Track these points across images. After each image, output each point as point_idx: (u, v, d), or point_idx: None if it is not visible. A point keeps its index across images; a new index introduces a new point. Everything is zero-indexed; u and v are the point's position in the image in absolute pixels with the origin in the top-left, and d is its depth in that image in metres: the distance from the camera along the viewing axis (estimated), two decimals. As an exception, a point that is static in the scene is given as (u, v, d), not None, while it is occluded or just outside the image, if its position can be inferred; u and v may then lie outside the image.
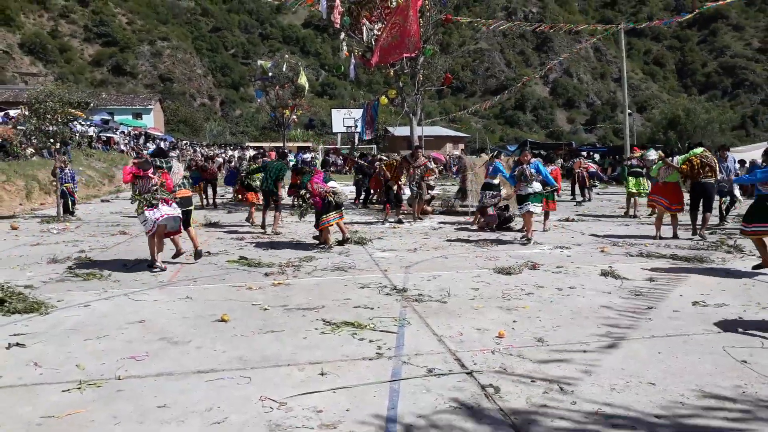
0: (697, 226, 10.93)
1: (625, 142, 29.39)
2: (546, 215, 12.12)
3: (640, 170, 14.52)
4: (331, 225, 9.88)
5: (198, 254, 8.86)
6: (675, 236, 10.73)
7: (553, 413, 3.56)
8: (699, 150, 11.14)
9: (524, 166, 10.57)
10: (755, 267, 7.62)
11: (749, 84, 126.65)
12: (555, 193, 12.05)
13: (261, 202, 13.11)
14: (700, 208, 10.93)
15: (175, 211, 8.24)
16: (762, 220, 7.40)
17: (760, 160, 15.61)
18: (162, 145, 40.96)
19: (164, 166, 8.52)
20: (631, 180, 14.72)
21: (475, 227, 12.52)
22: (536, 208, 10.50)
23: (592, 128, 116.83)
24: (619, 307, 6.00)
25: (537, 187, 10.51)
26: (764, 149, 11.49)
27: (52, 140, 16.83)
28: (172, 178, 8.62)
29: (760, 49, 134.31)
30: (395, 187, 13.80)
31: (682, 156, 11.29)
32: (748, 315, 5.62)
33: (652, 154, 12.71)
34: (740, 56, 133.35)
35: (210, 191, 18.13)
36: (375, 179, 16.32)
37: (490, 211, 12.43)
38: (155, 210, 7.96)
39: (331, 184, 9.99)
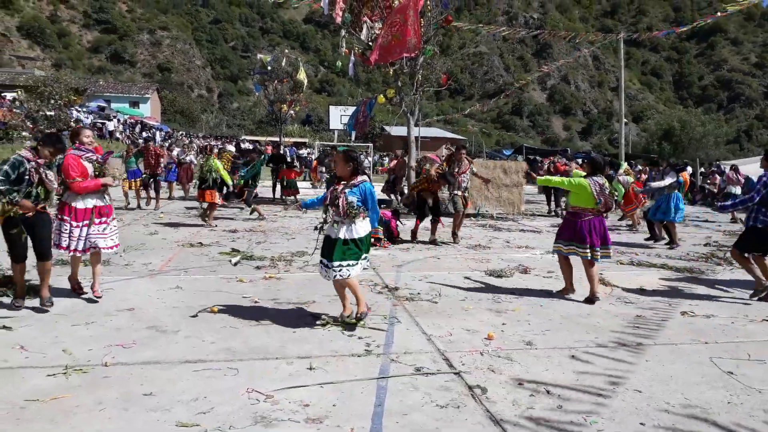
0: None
1: (620, 151, 29.49)
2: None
3: None
4: None
5: None
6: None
7: (539, 416, 3.57)
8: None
9: (340, 187, 5.29)
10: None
11: (745, 98, 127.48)
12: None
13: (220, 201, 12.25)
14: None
15: None
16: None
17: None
18: (157, 135, 40.87)
19: None
20: None
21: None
22: (352, 270, 5.17)
23: (588, 136, 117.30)
24: (608, 314, 6.02)
25: (357, 231, 5.19)
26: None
27: (46, 123, 16.83)
28: None
29: (756, 64, 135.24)
30: (430, 199, 10.67)
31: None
32: (737, 326, 5.66)
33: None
34: (737, 70, 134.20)
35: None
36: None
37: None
38: None
39: None
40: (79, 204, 5.73)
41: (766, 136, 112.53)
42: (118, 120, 42.18)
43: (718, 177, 21.91)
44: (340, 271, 5.12)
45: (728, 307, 6.41)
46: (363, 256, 5.32)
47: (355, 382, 4.02)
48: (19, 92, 30.99)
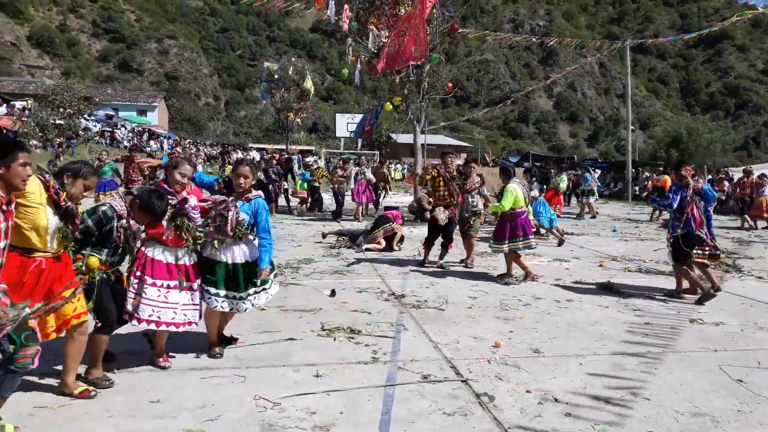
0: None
1: (627, 159, 29.49)
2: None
3: None
4: None
5: None
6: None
7: (547, 424, 3.55)
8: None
9: (230, 198, 4.59)
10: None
11: (752, 105, 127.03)
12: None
13: None
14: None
15: None
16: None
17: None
18: (165, 143, 41.10)
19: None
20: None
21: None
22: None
23: (595, 143, 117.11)
24: (616, 321, 5.99)
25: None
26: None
27: (56, 131, 16.96)
28: None
29: (764, 71, 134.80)
30: (441, 215, 8.67)
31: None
32: (746, 333, 5.62)
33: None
34: (744, 77, 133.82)
35: None
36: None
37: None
38: None
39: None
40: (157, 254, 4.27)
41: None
42: (125, 128, 42.53)
43: (726, 183, 21.78)
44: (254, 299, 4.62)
45: (737, 315, 6.36)
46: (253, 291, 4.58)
47: (362, 389, 4.01)
48: (29, 101, 31.31)
